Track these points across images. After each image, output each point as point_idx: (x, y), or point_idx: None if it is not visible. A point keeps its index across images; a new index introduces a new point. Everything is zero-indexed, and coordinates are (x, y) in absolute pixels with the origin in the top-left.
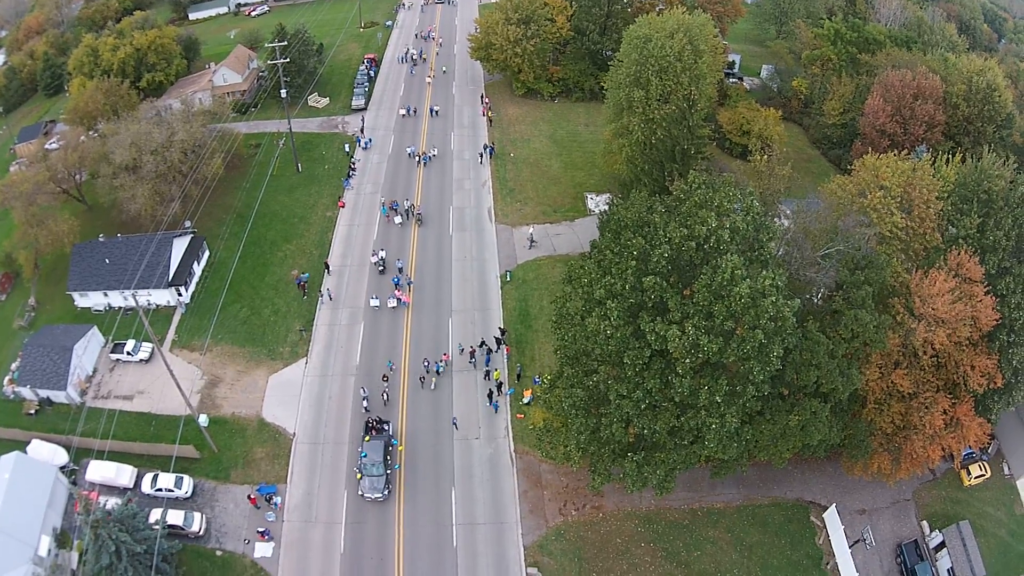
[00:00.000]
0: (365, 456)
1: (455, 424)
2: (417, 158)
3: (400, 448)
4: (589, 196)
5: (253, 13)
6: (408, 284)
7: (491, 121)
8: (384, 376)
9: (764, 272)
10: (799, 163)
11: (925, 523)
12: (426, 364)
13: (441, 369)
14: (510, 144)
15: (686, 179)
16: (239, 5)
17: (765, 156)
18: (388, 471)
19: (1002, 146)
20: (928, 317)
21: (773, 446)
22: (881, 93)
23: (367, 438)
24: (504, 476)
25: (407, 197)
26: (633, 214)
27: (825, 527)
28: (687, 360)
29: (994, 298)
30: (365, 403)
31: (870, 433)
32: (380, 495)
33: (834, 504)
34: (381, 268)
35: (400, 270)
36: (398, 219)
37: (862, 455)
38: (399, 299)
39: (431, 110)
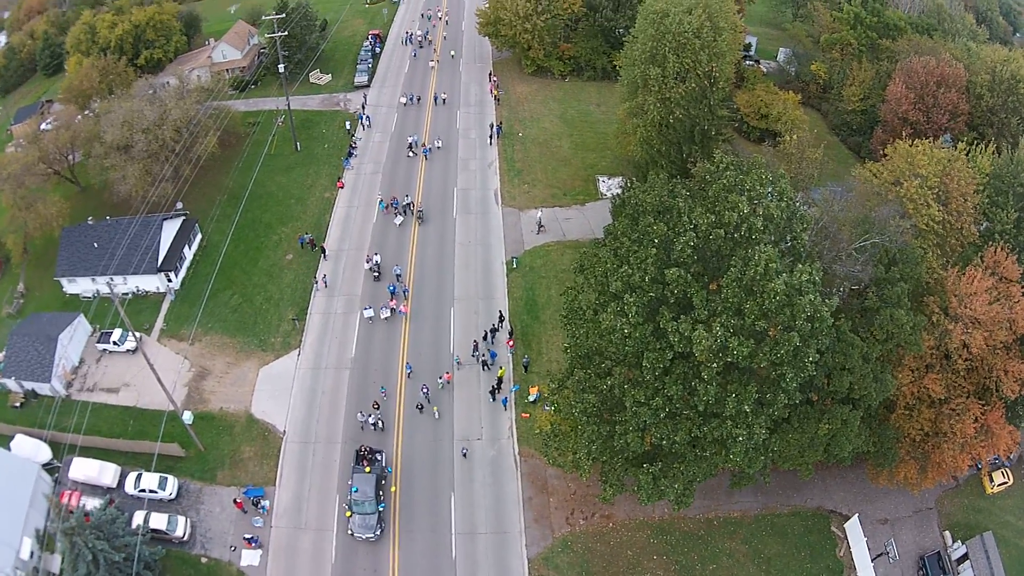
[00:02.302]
0: (356, 491)
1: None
2: (412, 152)
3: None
4: (601, 179)
5: None
6: (404, 293)
7: (499, 100)
8: (375, 404)
9: (800, 266)
10: None
11: (948, 533)
12: (425, 391)
13: (443, 386)
14: (518, 123)
15: (711, 160)
16: None
17: (795, 137)
18: (380, 508)
19: None
20: (965, 318)
21: (799, 456)
22: (903, 79)
23: (368, 470)
24: (508, 481)
25: (407, 192)
26: (653, 197)
27: (846, 538)
28: (714, 364)
29: None
30: (369, 421)
31: (897, 440)
32: (372, 535)
33: (857, 514)
34: (376, 274)
35: (398, 277)
36: (398, 220)
37: (888, 463)
38: (393, 309)
39: (435, 97)
